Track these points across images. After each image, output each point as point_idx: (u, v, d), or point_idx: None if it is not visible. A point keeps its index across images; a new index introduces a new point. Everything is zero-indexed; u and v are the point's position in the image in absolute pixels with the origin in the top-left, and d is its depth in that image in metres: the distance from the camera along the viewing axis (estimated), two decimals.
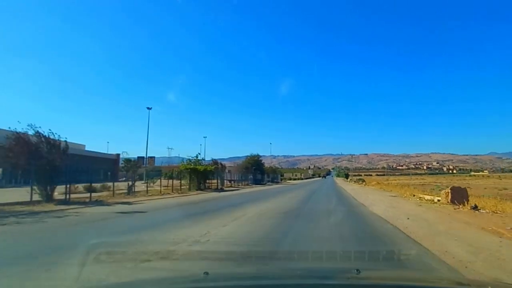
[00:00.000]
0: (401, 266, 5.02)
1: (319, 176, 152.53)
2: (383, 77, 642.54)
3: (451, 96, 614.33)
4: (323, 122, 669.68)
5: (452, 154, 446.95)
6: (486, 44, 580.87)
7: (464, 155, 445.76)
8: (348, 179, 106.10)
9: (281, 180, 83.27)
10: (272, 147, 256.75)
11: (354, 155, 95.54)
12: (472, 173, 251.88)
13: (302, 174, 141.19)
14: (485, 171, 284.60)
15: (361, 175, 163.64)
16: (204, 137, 73.19)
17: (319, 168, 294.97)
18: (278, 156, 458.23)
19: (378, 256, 5.36)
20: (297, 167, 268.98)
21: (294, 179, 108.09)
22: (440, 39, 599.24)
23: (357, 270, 1.96)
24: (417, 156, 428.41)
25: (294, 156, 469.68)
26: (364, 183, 76.86)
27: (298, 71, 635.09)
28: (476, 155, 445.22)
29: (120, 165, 57.82)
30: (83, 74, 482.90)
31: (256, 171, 56.67)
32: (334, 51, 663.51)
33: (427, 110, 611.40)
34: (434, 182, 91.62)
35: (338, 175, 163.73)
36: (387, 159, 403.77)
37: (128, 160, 43.63)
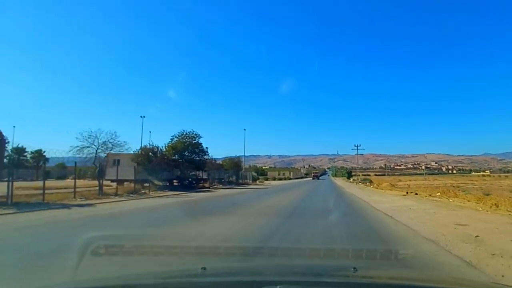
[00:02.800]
0: (399, 265, 4.68)
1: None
2: (379, 77, 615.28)
3: (446, 96, 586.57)
4: (318, 122, 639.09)
5: (447, 154, 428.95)
6: (478, 45, 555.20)
7: (459, 155, 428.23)
8: (351, 179, 75.65)
9: (255, 180, 53.84)
10: (267, 148, 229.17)
11: (359, 147, 61.65)
12: (473, 173, 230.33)
13: (292, 173, 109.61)
14: (486, 171, 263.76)
15: (358, 175, 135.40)
16: (141, 116, 43.07)
17: (314, 168, 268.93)
18: (273, 156, 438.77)
19: (376, 255, 5.01)
20: (292, 167, 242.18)
21: (280, 179, 78.45)
22: (434, 36, 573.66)
23: (354, 268, 1.88)
24: (413, 157, 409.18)
25: (289, 156, 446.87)
26: (373, 184, 49.09)
27: (296, 70, 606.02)
28: (471, 155, 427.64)
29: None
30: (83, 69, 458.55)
31: (185, 164, 27.01)
32: (333, 49, 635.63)
33: (422, 110, 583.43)
34: (464, 184, 65.02)
35: (335, 175, 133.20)
36: (382, 159, 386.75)
37: None
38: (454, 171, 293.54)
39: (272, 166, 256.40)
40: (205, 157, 31.85)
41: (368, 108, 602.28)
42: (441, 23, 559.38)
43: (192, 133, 30.67)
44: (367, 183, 64.23)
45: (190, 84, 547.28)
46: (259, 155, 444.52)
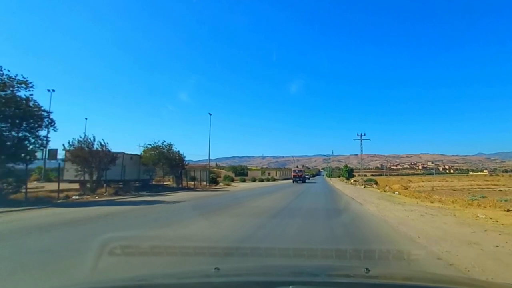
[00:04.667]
0: (411, 266, 4.47)
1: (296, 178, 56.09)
2: (374, 79, 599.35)
3: (440, 97, 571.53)
4: (313, 123, 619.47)
5: (442, 154, 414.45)
6: (476, 46, 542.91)
7: (453, 155, 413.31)
8: (352, 180, 57.26)
9: (215, 183, 35.54)
10: (262, 148, 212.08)
11: (363, 136, 43.91)
12: (471, 173, 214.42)
13: (278, 173, 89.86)
14: (484, 170, 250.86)
15: (354, 175, 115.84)
16: (49, 90, 28.70)
17: (308, 168, 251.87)
18: (267, 156, 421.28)
19: (388, 256, 4.75)
20: (286, 167, 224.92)
21: (262, 181, 60.04)
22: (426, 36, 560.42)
23: (366, 269, 1.82)
24: (407, 157, 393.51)
25: (283, 157, 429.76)
26: (379, 186, 32.16)
27: (293, 75, 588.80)
28: (465, 155, 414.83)
29: None
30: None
31: None
32: (331, 50, 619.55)
33: (416, 111, 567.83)
34: (495, 186, 48.58)
35: (331, 175, 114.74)
36: (377, 160, 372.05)
37: None
38: (452, 171, 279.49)
39: (266, 166, 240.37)
40: (45, 131, 13.54)
41: (363, 109, 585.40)
42: (441, 25, 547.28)
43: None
44: (373, 185, 46.37)
45: (192, 87, 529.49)
46: (253, 156, 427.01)
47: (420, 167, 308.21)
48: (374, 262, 4.18)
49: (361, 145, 43.65)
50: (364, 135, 44.38)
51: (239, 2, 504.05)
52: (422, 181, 66.96)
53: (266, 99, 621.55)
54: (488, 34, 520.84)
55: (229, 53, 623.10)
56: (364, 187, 33.24)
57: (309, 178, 72.99)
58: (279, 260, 4.49)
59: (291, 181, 57.73)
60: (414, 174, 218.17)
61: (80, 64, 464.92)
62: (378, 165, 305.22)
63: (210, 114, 43.07)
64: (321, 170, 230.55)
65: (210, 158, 33.38)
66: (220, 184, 38.45)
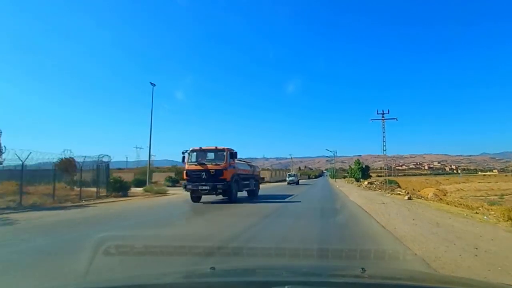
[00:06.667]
0: (407, 266, 4.27)
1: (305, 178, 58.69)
2: (374, 80, 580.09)
3: (442, 98, 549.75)
4: (315, 124, 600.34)
5: (445, 154, 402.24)
6: (476, 49, 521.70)
7: (457, 155, 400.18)
8: (366, 183, 39.80)
9: (122, 188, 18.42)
10: (264, 150, 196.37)
11: (386, 114, 23.54)
12: (479, 173, 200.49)
13: (273, 174, 72.53)
14: (494, 170, 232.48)
15: (371, 175, 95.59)
16: None
17: (311, 169, 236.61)
18: (270, 158, 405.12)
19: (384, 255, 4.68)
20: (288, 168, 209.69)
21: None
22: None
23: (362, 268, 1.77)
24: (411, 157, 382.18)
25: (286, 158, 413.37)
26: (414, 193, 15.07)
27: (292, 75, 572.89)
28: (470, 155, 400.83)
29: None
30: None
31: None
32: (328, 52, 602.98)
33: (418, 111, 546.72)
34: None
35: (334, 176, 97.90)
36: (381, 160, 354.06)
37: None
38: (459, 171, 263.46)
39: (269, 168, 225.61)
40: None
41: (363, 110, 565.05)
42: (442, 25, 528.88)
43: None
44: (396, 189, 29.80)
45: (191, 88, 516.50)
46: (256, 158, 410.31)
47: (426, 167, 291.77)
48: (370, 261, 4.10)
49: (383, 126, 26.86)
50: (388, 112, 27.70)
51: (237, 1, 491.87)
52: (456, 183, 49.33)
53: (268, 100, 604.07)
54: (490, 34, 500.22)
55: (228, 52, 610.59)
56: (409, 198, 16.42)
57: (296, 182, 45.36)
58: (275, 260, 4.36)
59: (291, 183, 39.67)
60: (421, 174, 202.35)
61: (77, 64, 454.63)
62: (382, 166, 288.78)
63: (153, 85, 27.43)
64: (324, 171, 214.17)
65: None
66: (156, 189, 21.92)
